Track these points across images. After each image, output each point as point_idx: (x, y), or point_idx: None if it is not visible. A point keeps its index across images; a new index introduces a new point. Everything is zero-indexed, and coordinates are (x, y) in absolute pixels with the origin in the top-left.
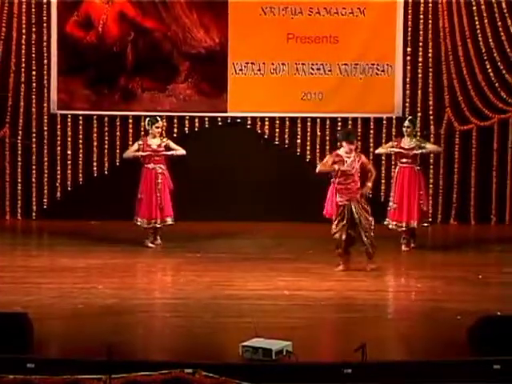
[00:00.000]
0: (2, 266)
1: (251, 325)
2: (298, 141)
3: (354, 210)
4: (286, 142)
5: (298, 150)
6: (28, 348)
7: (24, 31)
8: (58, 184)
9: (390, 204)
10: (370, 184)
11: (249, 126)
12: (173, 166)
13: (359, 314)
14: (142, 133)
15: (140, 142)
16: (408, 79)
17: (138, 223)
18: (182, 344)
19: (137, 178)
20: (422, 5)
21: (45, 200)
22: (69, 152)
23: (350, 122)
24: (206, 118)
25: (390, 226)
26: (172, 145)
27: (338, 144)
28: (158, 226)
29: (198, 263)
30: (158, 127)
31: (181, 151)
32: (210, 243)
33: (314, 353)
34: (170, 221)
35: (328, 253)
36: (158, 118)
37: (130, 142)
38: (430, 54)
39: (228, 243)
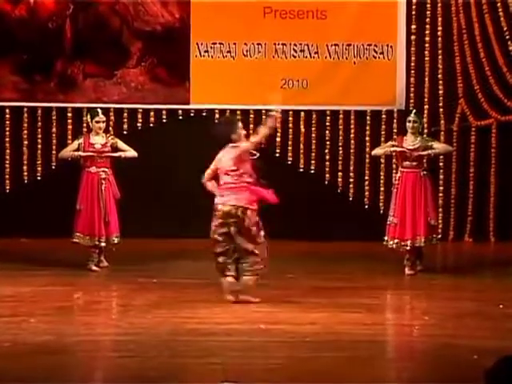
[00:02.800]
0: None
1: (219, 367)
2: (278, 139)
3: None
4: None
5: (277, 151)
6: None
7: None
8: None
9: (390, 218)
10: None
11: (216, 121)
12: (120, 171)
13: (351, 353)
14: (85, 129)
15: (81, 141)
16: (412, 63)
17: (77, 240)
18: None
19: (76, 184)
20: None
21: None
22: None
23: (340, 116)
24: (164, 111)
25: (391, 245)
26: (120, 144)
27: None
28: (103, 244)
29: (153, 290)
30: (98, 122)
31: (131, 152)
32: (166, 265)
33: None
34: (116, 239)
35: (313, 276)
36: (99, 111)
37: (69, 141)
38: (439, 33)
39: (190, 266)
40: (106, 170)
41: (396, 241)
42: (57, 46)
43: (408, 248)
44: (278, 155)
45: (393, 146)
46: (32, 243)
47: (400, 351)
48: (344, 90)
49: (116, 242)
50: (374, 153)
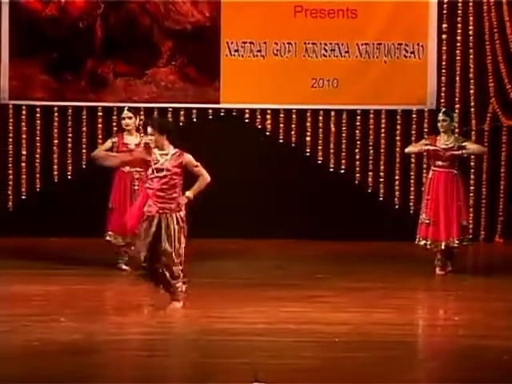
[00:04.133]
0: None
1: (248, 367)
2: (308, 138)
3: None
4: (293, 139)
5: (308, 150)
6: None
7: None
8: (9, 192)
9: (422, 217)
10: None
11: (246, 121)
12: None
13: (381, 353)
14: (116, 128)
15: (114, 140)
16: (443, 63)
17: (109, 239)
18: None
19: (108, 183)
20: None
21: None
22: (24, 152)
23: (371, 116)
24: (194, 111)
25: (422, 244)
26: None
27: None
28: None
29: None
30: (124, 118)
31: None
32: (195, 265)
33: None
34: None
35: (343, 277)
36: (126, 108)
37: (100, 140)
38: (470, 32)
39: (218, 266)
40: (139, 169)
41: (429, 241)
42: (87, 45)
43: (442, 248)
44: (308, 154)
45: (426, 144)
46: (62, 242)
47: (430, 352)
48: (375, 89)
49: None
50: (407, 150)
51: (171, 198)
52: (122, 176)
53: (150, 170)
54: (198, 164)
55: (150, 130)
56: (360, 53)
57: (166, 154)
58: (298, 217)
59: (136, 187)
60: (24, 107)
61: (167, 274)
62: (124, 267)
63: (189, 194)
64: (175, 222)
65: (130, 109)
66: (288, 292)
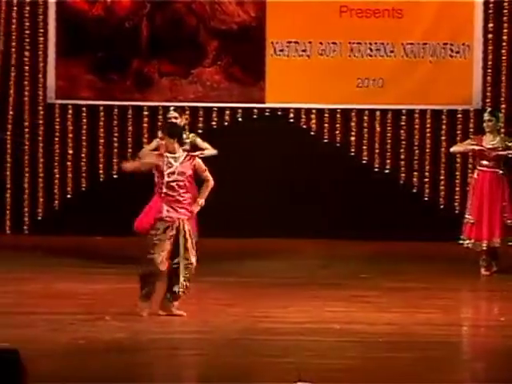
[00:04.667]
0: None
1: (293, 366)
2: (353, 138)
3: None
4: (338, 139)
5: (353, 150)
6: None
7: (15, 2)
8: (55, 190)
9: (467, 217)
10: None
11: (291, 120)
12: None
13: (425, 353)
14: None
15: (159, 140)
16: (489, 62)
17: None
18: None
19: (153, 182)
20: None
21: (39, 210)
22: (70, 151)
23: (416, 115)
24: (239, 110)
25: (467, 244)
26: (200, 143)
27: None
28: None
29: (227, 289)
30: (169, 118)
31: (211, 151)
32: (240, 265)
33: None
34: (194, 237)
35: (387, 277)
36: (171, 108)
37: (145, 139)
38: None
39: (262, 265)
40: None
41: (472, 241)
42: (133, 45)
43: (484, 248)
44: (352, 154)
45: (471, 144)
46: (108, 241)
47: (475, 352)
48: (420, 89)
49: (195, 240)
50: (452, 150)
51: (188, 204)
52: None
53: (166, 175)
54: (206, 169)
55: (160, 134)
56: (405, 52)
57: (178, 158)
58: (342, 216)
59: None
60: (70, 106)
61: (186, 275)
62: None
63: (201, 201)
64: (189, 228)
65: (175, 109)
66: (332, 292)
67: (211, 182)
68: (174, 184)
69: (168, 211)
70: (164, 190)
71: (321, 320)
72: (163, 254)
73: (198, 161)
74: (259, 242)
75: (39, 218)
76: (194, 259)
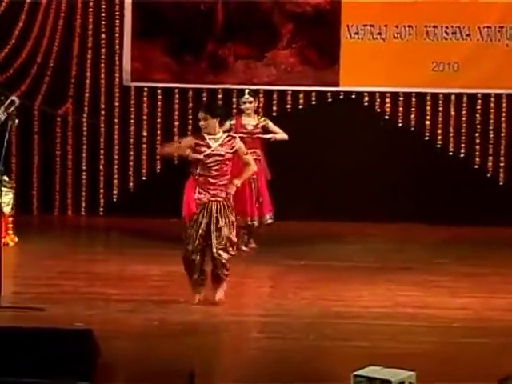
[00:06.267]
0: (61, 272)
1: (365, 350)
2: (427, 122)
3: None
4: (412, 123)
5: (427, 134)
6: (91, 373)
7: None
8: (130, 172)
9: None
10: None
11: (366, 104)
12: (270, 152)
13: (501, 339)
14: (235, 110)
15: (232, 122)
16: None
17: None
18: (277, 372)
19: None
20: None
21: (114, 192)
22: (144, 133)
23: (492, 99)
24: (313, 93)
25: None
26: (272, 126)
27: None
28: (255, 224)
29: (300, 273)
30: (244, 102)
31: (282, 135)
32: (313, 248)
33: None
34: (269, 219)
35: (463, 262)
36: (246, 91)
37: None
38: None
39: (336, 249)
40: (257, 151)
41: None
42: (208, 28)
43: None
44: (427, 139)
45: None
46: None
47: None
48: (496, 72)
49: (269, 221)
50: None
51: (222, 185)
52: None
53: (203, 156)
54: (248, 152)
55: (201, 114)
56: (481, 36)
57: (218, 139)
58: (416, 201)
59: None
60: (145, 89)
61: (221, 259)
62: (243, 248)
63: (237, 181)
64: (227, 210)
65: (250, 92)
66: (405, 276)
67: (252, 167)
68: (209, 165)
69: (200, 193)
70: (198, 171)
71: (394, 304)
72: (196, 241)
73: (239, 143)
74: (332, 225)
75: (114, 199)
76: (229, 241)
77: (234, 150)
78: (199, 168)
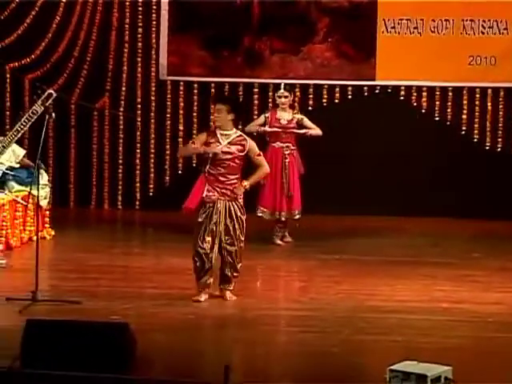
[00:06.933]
0: (98, 266)
1: (399, 344)
2: (464, 116)
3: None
4: (448, 118)
5: (463, 129)
6: (128, 366)
7: None
8: (166, 166)
9: None
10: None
11: (402, 98)
12: (304, 146)
13: None
14: (270, 104)
15: (267, 115)
16: None
17: (260, 214)
18: (312, 366)
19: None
20: None
21: (151, 186)
22: (181, 127)
23: None
24: (349, 87)
25: None
26: (306, 122)
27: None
28: (284, 218)
29: (335, 267)
30: (280, 96)
31: (316, 131)
32: (347, 242)
33: (478, 381)
34: (297, 214)
35: (499, 257)
36: (282, 86)
37: (255, 116)
38: None
39: (371, 243)
40: (290, 145)
41: None
42: (244, 22)
43: None
44: (463, 133)
45: None
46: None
47: None
48: None
49: (297, 217)
50: None
51: (231, 184)
52: (273, 151)
53: (212, 152)
54: (260, 153)
55: (218, 106)
56: None
57: (228, 137)
58: (452, 195)
59: (287, 163)
60: (181, 83)
61: (229, 259)
62: (278, 242)
63: (246, 183)
64: (236, 209)
65: (285, 87)
66: (441, 270)
67: (265, 169)
68: (217, 162)
69: (208, 191)
70: (207, 168)
71: (429, 299)
72: (206, 242)
73: (252, 143)
74: (367, 219)
75: (150, 193)
76: (238, 240)
77: (244, 150)
78: (208, 165)
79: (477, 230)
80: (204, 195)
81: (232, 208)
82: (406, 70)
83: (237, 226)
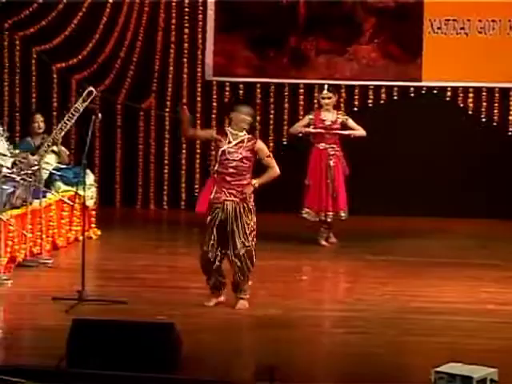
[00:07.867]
0: (143, 266)
1: (444, 346)
2: (511, 118)
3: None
4: (495, 118)
5: (511, 130)
6: (173, 366)
7: None
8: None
9: None
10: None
11: (448, 99)
12: (350, 147)
13: None
14: (316, 105)
15: (311, 116)
16: None
17: (305, 215)
18: (357, 367)
19: (305, 160)
20: None
21: (196, 186)
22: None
23: None
24: (395, 88)
25: None
26: (351, 123)
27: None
28: (329, 219)
29: (381, 268)
30: (324, 98)
31: (360, 132)
32: (393, 243)
33: None
34: (343, 215)
35: None
36: (326, 87)
37: (301, 117)
38: None
39: (416, 244)
40: (335, 146)
41: None
42: (290, 22)
43: None
44: (510, 134)
45: None
46: (262, 218)
47: None
48: None
49: (343, 217)
50: None
51: (239, 185)
52: (318, 152)
53: (220, 152)
54: (270, 154)
55: (243, 108)
56: None
57: (238, 137)
58: (500, 196)
59: (332, 164)
60: (227, 83)
61: (237, 263)
62: (323, 243)
63: (255, 182)
64: (244, 211)
65: (329, 88)
66: (489, 272)
67: (275, 171)
68: (225, 163)
69: (216, 192)
70: (216, 168)
71: (475, 300)
72: (211, 242)
73: (262, 144)
74: (412, 220)
75: (196, 193)
76: (242, 244)
77: (253, 151)
78: (217, 165)
79: None
80: (211, 196)
81: (240, 210)
82: (453, 70)
83: (244, 229)
